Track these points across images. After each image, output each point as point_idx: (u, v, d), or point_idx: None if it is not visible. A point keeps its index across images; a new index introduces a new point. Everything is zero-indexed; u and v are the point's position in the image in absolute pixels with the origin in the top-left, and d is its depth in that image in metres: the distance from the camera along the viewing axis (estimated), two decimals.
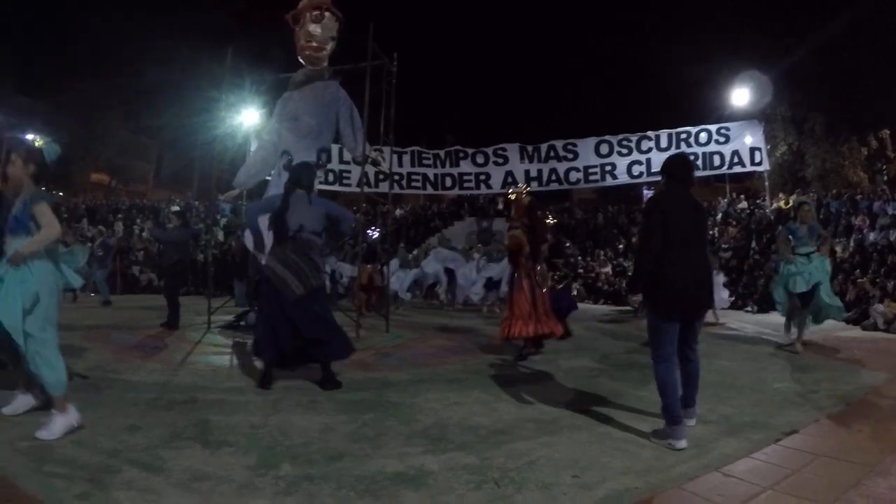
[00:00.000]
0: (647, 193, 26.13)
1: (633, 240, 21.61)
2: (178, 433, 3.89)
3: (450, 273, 14.72)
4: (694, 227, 4.15)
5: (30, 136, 36.44)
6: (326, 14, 8.69)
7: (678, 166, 4.39)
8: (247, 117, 15.08)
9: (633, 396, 5.21)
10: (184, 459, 3.43)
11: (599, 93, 43.92)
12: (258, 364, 5.70)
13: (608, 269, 19.32)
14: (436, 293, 15.46)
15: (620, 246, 21.31)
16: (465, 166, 15.94)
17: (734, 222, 19.74)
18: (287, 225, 5.46)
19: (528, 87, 49.73)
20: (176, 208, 12.63)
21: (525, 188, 7.71)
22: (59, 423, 3.72)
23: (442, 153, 15.98)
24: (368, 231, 14.54)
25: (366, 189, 9.50)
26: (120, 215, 25.75)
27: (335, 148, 11.53)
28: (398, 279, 14.13)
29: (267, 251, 5.89)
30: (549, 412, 4.67)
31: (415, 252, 16.12)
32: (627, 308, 14.93)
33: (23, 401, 4.10)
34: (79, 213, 24.78)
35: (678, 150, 14.87)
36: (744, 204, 21.71)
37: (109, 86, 37.15)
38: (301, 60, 8.90)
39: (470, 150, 15.86)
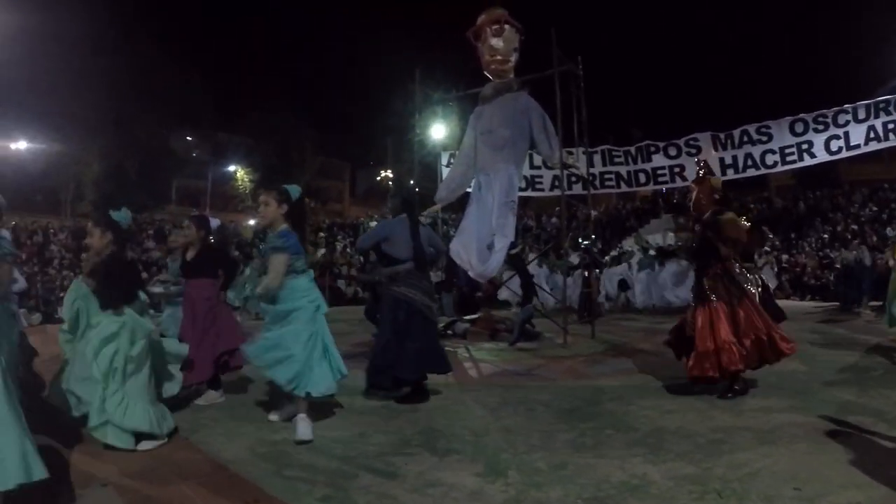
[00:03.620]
0: None
1: (838, 228, 19.78)
2: (406, 441, 4.11)
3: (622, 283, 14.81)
4: None
5: (231, 168, 40.48)
6: (506, 27, 8.82)
7: None
8: (436, 132, 15.79)
9: (852, 404, 4.78)
10: (415, 465, 3.61)
11: (785, 71, 40.48)
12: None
13: (814, 261, 17.85)
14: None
15: (826, 235, 19.60)
16: (658, 160, 15.28)
17: None
18: (412, 250, 5.36)
19: (708, 70, 46.96)
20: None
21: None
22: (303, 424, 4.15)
23: (633, 149, 15.44)
24: (580, 240, 14.53)
25: (564, 193, 9.47)
26: (322, 234, 27.79)
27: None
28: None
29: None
30: (765, 420, 4.41)
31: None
32: (839, 304, 13.86)
33: (288, 410, 4.59)
34: None
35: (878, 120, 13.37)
36: None
37: (301, 114, 40.15)
38: (488, 75, 9.10)
39: (661, 144, 15.18)
